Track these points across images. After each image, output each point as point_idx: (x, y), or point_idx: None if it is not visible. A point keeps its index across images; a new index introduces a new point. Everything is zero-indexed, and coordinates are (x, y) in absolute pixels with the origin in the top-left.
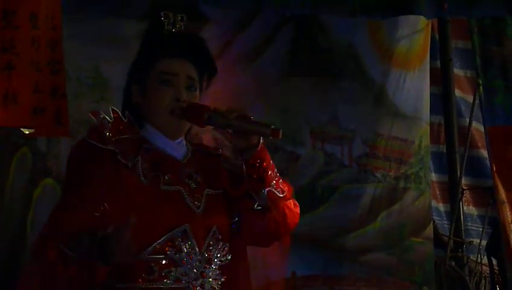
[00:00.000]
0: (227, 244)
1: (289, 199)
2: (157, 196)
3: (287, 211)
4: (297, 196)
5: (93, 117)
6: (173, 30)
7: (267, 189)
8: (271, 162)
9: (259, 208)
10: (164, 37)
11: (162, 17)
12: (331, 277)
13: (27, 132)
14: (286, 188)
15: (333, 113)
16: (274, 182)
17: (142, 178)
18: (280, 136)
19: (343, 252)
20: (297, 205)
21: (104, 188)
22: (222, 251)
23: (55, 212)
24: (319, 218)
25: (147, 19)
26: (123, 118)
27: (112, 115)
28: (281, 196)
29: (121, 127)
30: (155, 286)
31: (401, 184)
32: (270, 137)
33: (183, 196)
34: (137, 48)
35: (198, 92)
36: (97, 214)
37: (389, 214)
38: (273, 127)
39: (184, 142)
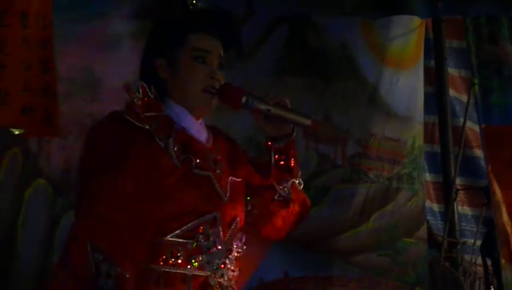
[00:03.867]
0: (245, 236)
1: (304, 192)
2: (189, 179)
3: (306, 202)
4: None
5: (127, 93)
6: (199, 4)
7: (292, 180)
8: (297, 155)
9: (280, 199)
10: (194, 12)
11: None
12: (323, 278)
13: (17, 132)
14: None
15: (326, 114)
16: (299, 173)
17: (176, 160)
18: (319, 129)
19: (335, 253)
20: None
21: (140, 176)
22: (240, 242)
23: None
24: (312, 218)
25: (138, 19)
26: (150, 94)
27: (140, 89)
28: (301, 187)
29: (149, 104)
30: (177, 271)
31: (394, 184)
32: (310, 128)
33: (212, 181)
34: (157, 21)
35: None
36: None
37: (382, 214)
38: (313, 118)
39: (203, 123)
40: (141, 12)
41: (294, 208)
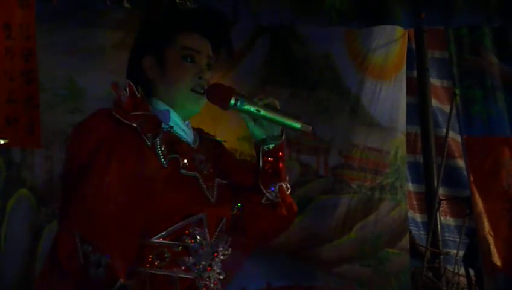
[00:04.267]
0: (230, 238)
1: (290, 196)
2: (176, 180)
3: (293, 206)
4: None
5: (113, 91)
6: (188, 3)
7: (279, 184)
8: (285, 156)
9: (268, 203)
10: (183, 11)
11: None
12: (306, 288)
13: (2, 142)
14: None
15: (309, 124)
16: (287, 177)
17: (162, 160)
18: (310, 131)
19: (318, 263)
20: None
21: (127, 170)
22: (226, 244)
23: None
24: (295, 228)
25: (120, 30)
26: (137, 93)
27: (126, 88)
28: (288, 192)
29: (136, 103)
30: (163, 274)
31: (377, 195)
32: (300, 131)
33: (199, 182)
34: (144, 21)
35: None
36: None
37: (364, 224)
38: (304, 120)
39: (190, 124)
40: (124, 23)
41: (281, 212)
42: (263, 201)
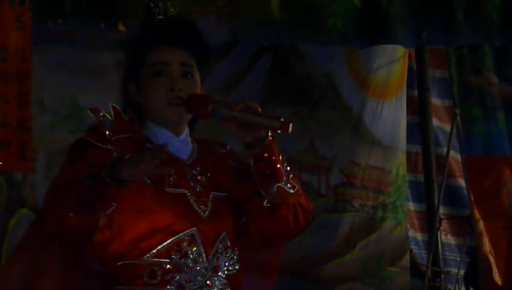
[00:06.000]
0: (237, 253)
1: (301, 195)
2: (161, 198)
3: (298, 208)
4: None
5: (92, 115)
6: (163, 18)
7: (277, 185)
8: (280, 156)
9: (269, 205)
10: (153, 27)
11: (151, 7)
12: None
13: None
14: (297, 183)
15: (310, 143)
16: (284, 177)
17: (146, 179)
18: (289, 130)
19: (321, 282)
20: (310, 201)
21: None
22: (230, 260)
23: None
24: (297, 247)
25: (122, 49)
26: (124, 116)
27: (112, 112)
28: (292, 191)
29: (122, 126)
30: None
31: (379, 214)
32: (279, 131)
33: (188, 199)
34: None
35: (198, 78)
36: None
37: (366, 243)
38: (282, 120)
39: (189, 139)
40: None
41: (282, 213)
42: (265, 204)
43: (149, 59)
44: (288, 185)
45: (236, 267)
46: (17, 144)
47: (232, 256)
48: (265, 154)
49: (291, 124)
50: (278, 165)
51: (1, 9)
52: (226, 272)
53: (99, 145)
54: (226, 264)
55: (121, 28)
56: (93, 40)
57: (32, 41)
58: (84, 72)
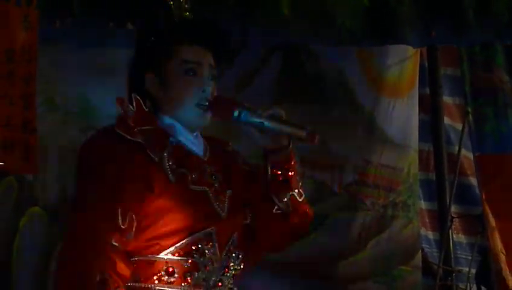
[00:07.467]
0: (243, 253)
1: (306, 203)
2: (184, 196)
3: (305, 216)
4: None
5: (118, 105)
6: (185, 15)
7: (291, 193)
8: (297, 165)
9: (279, 212)
10: (180, 23)
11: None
12: None
13: None
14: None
15: (323, 141)
16: (298, 186)
17: (170, 176)
18: (316, 142)
19: (332, 281)
20: (311, 208)
21: (135, 187)
22: (237, 259)
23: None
24: (309, 246)
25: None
26: (144, 108)
27: (134, 103)
28: (300, 200)
29: (143, 117)
30: (172, 289)
31: (389, 212)
32: (305, 141)
33: (209, 197)
34: (143, 35)
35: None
36: (123, 227)
37: (377, 242)
38: (309, 130)
39: (200, 135)
40: (132, 42)
41: (293, 221)
42: (274, 211)
43: (180, 55)
44: (299, 193)
45: (241, 266)
46: (21, 145)
47: (238, 255)
48: (285, 163)
49: (317, 135)
50: (295, 175)
51: (7, 9)
52: (232, 272)
53: (129, 137)
54: (234, 263)
55: (130, 26)
56: (102, 38)
57: (41, 41)
58: (95, 70)
